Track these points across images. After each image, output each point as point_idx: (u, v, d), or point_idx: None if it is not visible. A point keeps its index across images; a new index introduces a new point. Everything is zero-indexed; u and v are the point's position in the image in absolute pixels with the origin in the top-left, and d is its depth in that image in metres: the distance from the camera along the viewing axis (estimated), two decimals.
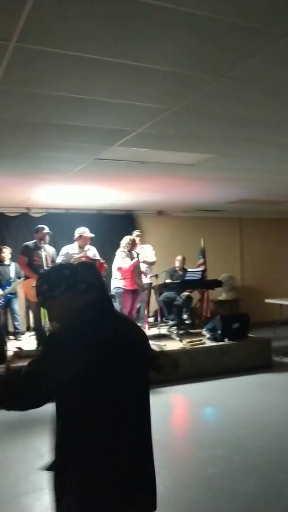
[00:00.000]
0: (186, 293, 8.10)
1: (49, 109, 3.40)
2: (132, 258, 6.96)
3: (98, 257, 6.89)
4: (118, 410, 1.65)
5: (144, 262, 7.53)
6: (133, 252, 7.06)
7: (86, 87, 3.00)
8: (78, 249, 6.79)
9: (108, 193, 7.53)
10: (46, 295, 1.75)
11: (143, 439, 1.79)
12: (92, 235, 6.89)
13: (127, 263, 6.87)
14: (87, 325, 1.66)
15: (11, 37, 2.26)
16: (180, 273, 8.33)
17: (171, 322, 8.04)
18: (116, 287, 6.91)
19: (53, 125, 3.79)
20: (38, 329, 6.64)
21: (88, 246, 6.91)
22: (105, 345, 1.63)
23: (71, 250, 6.75)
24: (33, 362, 1.65)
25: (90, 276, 1.78)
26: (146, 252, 7.87)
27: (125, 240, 7.06)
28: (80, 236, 6.78)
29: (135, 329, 1.86)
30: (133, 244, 7.04)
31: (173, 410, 5.67)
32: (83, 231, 6.83)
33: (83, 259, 6.53)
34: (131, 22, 2.17)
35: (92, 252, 6.91)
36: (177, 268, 8.49)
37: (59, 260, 6.66)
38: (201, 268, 8.43)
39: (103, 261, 6.78)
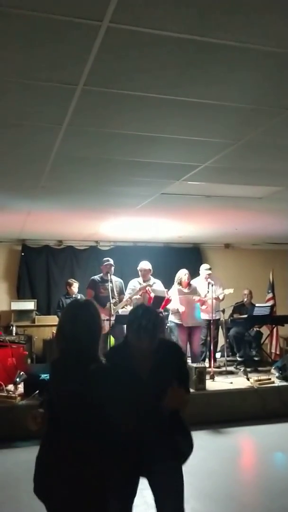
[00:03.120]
0: (255, 329, 7.84)
1: (116, 146, 3.48)
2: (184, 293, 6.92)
3: (165, 293, 6.83)
4: None
5: (215, 299, 7.36)
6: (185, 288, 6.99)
7: (152, 125, 3.04)
8: (142, 282, 6.83)
9: (174, 226, 7.54)
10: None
11: None
12: (145, 267, 6.89)
13: (173, 304, 6.86)
14: None
15: (78, 81, 2.35)
16: (248, 307, 8.07)
17: (238, 359, 7.75)
18: (169, 321, 7.03)
19: (119, 161, 3.88)
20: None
21: (153, 280, 6.92)
22: None
23: (136, 284, 6.81)
24: None
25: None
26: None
27: (177, 275, 7.06)
28: (139, 270, 6.91)
29: None
30: (180, 281, 7.00)
31: (241, 453, 5.40)
32: (140, 264, 6.96)
33: (147, 292, 6.55)
34: (194, 60, 2.19)
35: (157, 286, 6.89)
36: (244, 303, 8.24)
37: (127, 293, 6.73)
38: (270, 303, 8.13)
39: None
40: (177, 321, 6.87)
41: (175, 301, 6.85)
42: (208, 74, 2.33)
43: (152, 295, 6.57)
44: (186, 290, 6.97)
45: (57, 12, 1.80)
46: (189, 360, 6.84)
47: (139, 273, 6.91)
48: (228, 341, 7.91)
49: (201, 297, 7.09)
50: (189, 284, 7.03)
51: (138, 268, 6.94)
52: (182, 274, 7.01)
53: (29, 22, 1.87)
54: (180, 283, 6.99)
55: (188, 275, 7.03)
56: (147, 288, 6.68)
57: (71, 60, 2.16)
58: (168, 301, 6.71)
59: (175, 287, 7.00)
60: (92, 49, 2.05)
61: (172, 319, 6.96)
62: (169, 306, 6.93)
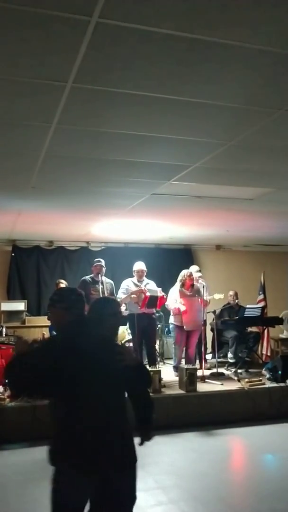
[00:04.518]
0: (254, 330, 7.84)
1: (107, 145, 3.45)
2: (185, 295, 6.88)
3: (158, 292, 6.77)
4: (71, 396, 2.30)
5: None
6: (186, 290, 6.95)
7: (142, 124, 3.02)
8: (137, 282, 6.79)
9: (165, 227, 7.53)
10: (52, 304, 2.56)
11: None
12: (140, 267, 6.86)
13: (174, 304, 6.83)
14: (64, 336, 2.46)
15: (67, 79, 2.32)
16: (235, 309, 8.05)
17: (229, 361, 7.74)
18: (169, 322, 7.07)
19: (110, 161, 3.85)
20: None
21: (147, 280, 6.88)
22: (65, 352, 2.27)
23: (130, 284, 6.77)
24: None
25: (79, 304, 2.53)
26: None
27: (181, 275, 7.01)
28: (135, 270, 6.86)
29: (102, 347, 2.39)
30: (184, 282, 6.93)
31: (230, 455, 5.38)
32: (135, 265, 6.92)
33: (143, 294, 6.51)
34: (185, 59, 2.17)
35: (151, 286, 6.84)
36: (232, 305, 8.22)
37: (120, 292, 6.68)
38: (260, 305, 8.14)
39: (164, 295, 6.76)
40: (177, 323, 6.84)
41: (174, 301, 6.81)
42: (199, 73, 2.31)
43: (148, 294, 6.53)
44: (188, 293, 6.92)
45: (44, 6, 1.77)
46: (183, 362, 6.83)
47: (134, 273, 6.87)
48: (227, 342, 7.86)
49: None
50: (191, 286, 6.98)
51: (134, 269, 6.88)
52: (186, 274, 6.94)
53: (16, 17, 1.83)
54: (183, 284, 6.91)
55: (192, 276, 6.99)
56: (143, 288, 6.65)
57: (59, 57, 2.13)
58: (163, 299, 6.65)
59: (177, 288, 6.95)
60: (81, 45, 2.02)
61: (172, 321, 6.93)
62: (170, 307, 6.87)
